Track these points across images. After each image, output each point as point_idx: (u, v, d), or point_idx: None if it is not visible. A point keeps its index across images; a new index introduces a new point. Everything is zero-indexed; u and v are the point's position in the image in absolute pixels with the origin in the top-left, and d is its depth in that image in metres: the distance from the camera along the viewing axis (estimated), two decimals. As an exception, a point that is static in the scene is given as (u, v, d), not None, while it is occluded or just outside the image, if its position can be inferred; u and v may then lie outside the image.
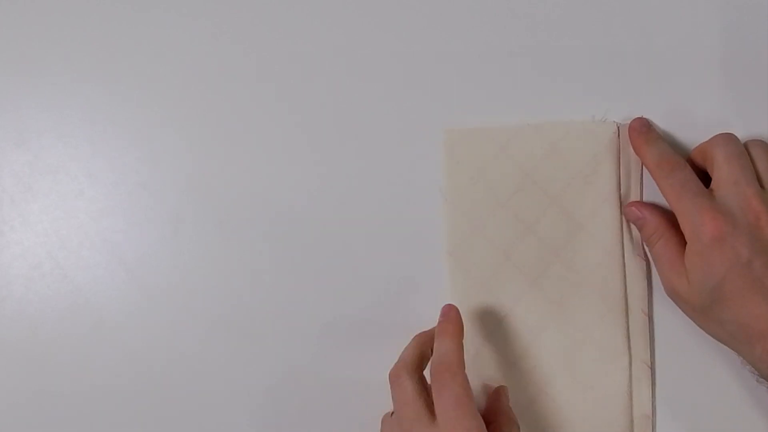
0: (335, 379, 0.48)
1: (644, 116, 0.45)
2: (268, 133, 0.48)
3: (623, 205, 0.45)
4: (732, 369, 0.45)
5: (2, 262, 0.50)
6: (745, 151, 0.41)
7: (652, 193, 0.45)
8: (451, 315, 0.43)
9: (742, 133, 0.45)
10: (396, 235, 0.47)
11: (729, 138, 0.42)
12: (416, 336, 0.44)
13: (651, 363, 0.45)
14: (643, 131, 0.44)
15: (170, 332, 0.49)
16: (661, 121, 0.45)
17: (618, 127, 0.45)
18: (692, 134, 0.45)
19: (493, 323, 0.46)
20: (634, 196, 0.45)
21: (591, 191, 0.45)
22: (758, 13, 0.45)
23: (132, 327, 0.49)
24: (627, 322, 0.45)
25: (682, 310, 0.42)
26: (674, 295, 0.42)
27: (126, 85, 0.49)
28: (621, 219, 0.45)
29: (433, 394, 0.40)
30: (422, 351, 0.43)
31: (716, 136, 0.42)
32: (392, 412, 0.44)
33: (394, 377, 0.41)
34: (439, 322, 0.43)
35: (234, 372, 0.48)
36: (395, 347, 0.46)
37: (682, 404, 0.45)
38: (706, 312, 0.40)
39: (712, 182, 0.41)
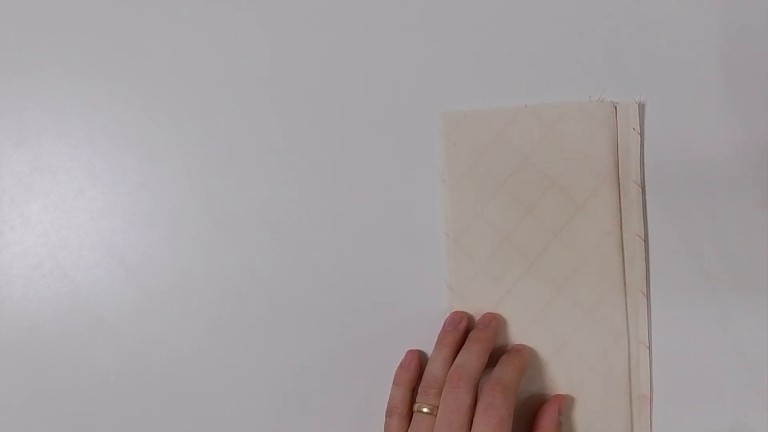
0: (336, 377, 0.48)
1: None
2: (267, 130, 0.48)
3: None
4: (728, 351, 0.45)
5: (2, 262, 0.50)
6: None
7: (652, 173, 0.45)
8: (523, 351, 0.45)
9: (742, 133, 0.45)
10: (396, 222, 0.47)
11: None
12: (479, 342, 0.44)
13: (648, 344, 0.45)
14: None
15: (170, 332, 0.49)
16: (657, 106, 0.45)
17: (615, 107, 0.45)
18: (686, 110, 0.45)
19: (492, 304, 0.46)
20: (633, 177, 0.45)
21: (589, 172, 0.45)
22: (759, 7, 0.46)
23: (132, 327, 0.49)
24: (626, 303, 0.45)
25: None
26: None
27: (126, 85, 0.49)
28: (620, 199, 0.45)
29: (478, 406, 0.41)
30: (484, 362, 0.44)
31: None
32: (391, 409, 0.45)
33: (455, 382, 0.42)
34: (510, 351, 0.45)
35: (234, 371, 0.48)
36: (398, 339, 0.47)
37: (678, 385, 0.45)
38: None
39: None
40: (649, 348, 0.45)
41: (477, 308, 0.46)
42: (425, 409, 0.43)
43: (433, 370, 0.44)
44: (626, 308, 0.45)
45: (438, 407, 0.42)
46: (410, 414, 0.44)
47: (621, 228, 0.45)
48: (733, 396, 0.45)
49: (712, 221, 0.45)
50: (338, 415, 0.48)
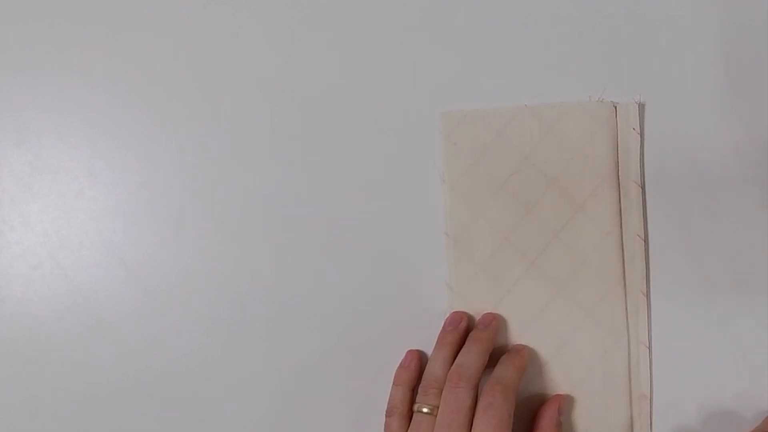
0: (336, 377, 0.48)
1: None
2: (267, 130, 0.48)
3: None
4: (728, 350, 0.45)
5: (2, 262, 0.50)
6: None
7: (652, 173, 0.45)
8: (523, 351, 0.45)
9: (742, 133, 0.45)
10: (396, 222, 0.47)
11: None
12: (479, 342, 0.44)
13: (648, 344, 0.45)
14: None
15: (170, 332, 0.49)
16: (657, 106, 0.46)
17: (615, 107, 0.45)
18: (686, 110, 0.45)
19: (492, 304, 0.46)
20: (633, 177, 0.45)
21: (589, 172, 0.45)
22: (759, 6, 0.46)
23: (132, 327, 0.49)
24: (626, 303, 0.45)
25: None
26: None
27: (126, 85, 0.49)
28: (620, 199, 0.45)
29: (479, 406, 0.41)
30: (484, 362, 0.44)
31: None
32: (391, 409, 0.45)
33: (455, 382, 0.42)
34: (510, 351, 0.45)
35: (234, 372, 0.48)
36: (398, 339, 0.47)
37: (678, 385, 0.45)
38: None
39: None
40: (649, 348, 0.45)
41: (477, 308, 0.46)
42: (425, 409, 0.43)
43: (433, 370, 0.44)
44: (626, 308, 0.45)
45: (438, 407, 0.42)
46: (410, 414, 0.44)
47: (621, 228, 0.45)
48: (733, 396, 0.45)
49: (712, 221, 0.45)
50: (338, 415, 0.48)
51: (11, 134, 0.50)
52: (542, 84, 0.46)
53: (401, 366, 0.46)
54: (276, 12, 0.48)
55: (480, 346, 0.44)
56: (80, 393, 0.49)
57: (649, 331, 0.46)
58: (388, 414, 0.45)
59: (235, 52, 0.48)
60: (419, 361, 0.46)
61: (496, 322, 0.45)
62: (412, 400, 0.45)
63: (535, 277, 0.46)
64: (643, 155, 0.45)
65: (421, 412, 0.43)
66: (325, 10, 0.48)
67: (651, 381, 0.45)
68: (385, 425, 0.45)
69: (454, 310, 0.46)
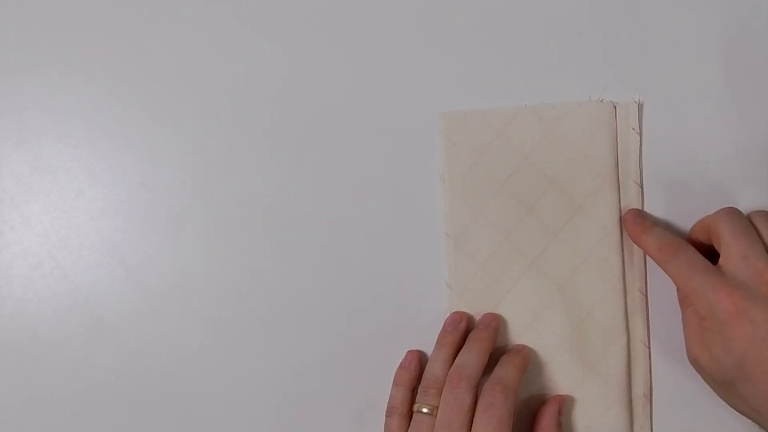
0: (336, 377, 0.48)
1: (636, 207, 0.45)
2: (266, 130, 0.48)
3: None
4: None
5: (2, 262, 0.50)
6: (749, 224, 0.41)
7: (651, 173, 0.45)
8: (523, 351, 0.45)
9: (742, 133, 0.45)
10: (396, 222, 0.47)
11: (733, 212, 0.41)
12: (480, 342, 0.44)
13: (648, 343, 0.46)
14: (638, 221, 0.44)
15: (170, 332, 0.49)
16: (657, 106, 0.46)
17: (615, 107, 0.45)
18: (686, 110, 0.46)
19: (492, 304, 0.46)
20: (633, 176, 0.45)
21: (589, 172, 0.45)
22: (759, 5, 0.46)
23: (132, 327, 0.49)
24: (625, 303, 0.45)
25: (704, 380, 0.42)
26: (696, 365, 0.42)
27: (126, 85, 0.49)
28: (619, 199, 0.45)
29: (478, 406, 0.41)
30: (484, 362, 0.44)
31: (719, 211, 0.42)
32: (391, 409, 0.45)
33: (455, 382, 0.42)
34: (510, 351, 0.45)
35: (234, 371, 0.48)
36: (398, 339, 0.47)
37: (678, 385, 0.45)
38: (728, 387, 0.40)
39: (721, 258, 0.41)
40: (649, 348, 0.45)
41: (477, 308, 0.46)
42: (425, 410, 0.43)
43: (433, 370, 0.44)
44: (626, 308, 0.45)
45: (438, 407, 0.42)
46: (410, 414, 0.44)
47: (621, 228, 0.45)
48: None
49: (712, 221, 0.45)
50: (338, 415, 0.48)
51: (11, 134, 0.50)
52: (542, 84, 0.46)
53: (401, 366, 0.46)
54: (276, 12, 0.48)
55: (480, 346, 0.44)
56: (80, 393, 0.49)
57: (649, 330, 0.46)
58: (388, 414, 0.45)
59: (235, 52, 0.48)
60: (419, 361, 0.46)
61: (496, 322, 0.45)
62: (412, 400, 0.45)
63: (535, 277, 0.46)
64: (642, 155, 0.46)
65: (421, 412, 0.43)
66: (325, 10, 0.48)
67: (651, 381, 0.46)
68: (385, 425, 0.45)
69: (454, 310, 0.46)
